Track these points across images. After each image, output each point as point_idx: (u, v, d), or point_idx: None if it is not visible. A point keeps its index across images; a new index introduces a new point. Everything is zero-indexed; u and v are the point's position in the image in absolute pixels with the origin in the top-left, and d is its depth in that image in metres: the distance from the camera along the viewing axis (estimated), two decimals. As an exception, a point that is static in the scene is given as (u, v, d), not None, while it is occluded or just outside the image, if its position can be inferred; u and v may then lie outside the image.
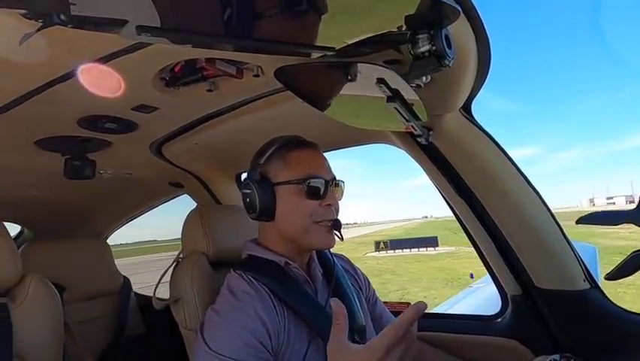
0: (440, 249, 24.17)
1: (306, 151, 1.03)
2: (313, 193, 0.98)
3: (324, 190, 0.99)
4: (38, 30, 0.59)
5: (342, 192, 1.06)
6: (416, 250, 24.90)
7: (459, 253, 21.86)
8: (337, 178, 1.04)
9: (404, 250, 24.95)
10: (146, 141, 1.40)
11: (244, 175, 1.86)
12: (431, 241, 25.42)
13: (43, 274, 1.25)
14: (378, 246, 25.63)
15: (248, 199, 1.03)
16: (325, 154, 1.07)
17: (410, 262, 19.64)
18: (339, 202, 1.04)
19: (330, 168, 1.04)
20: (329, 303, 1.01)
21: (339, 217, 1.03)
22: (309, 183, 0.98)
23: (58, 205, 2.14)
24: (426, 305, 0.72)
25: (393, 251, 25.02)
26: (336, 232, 1.01)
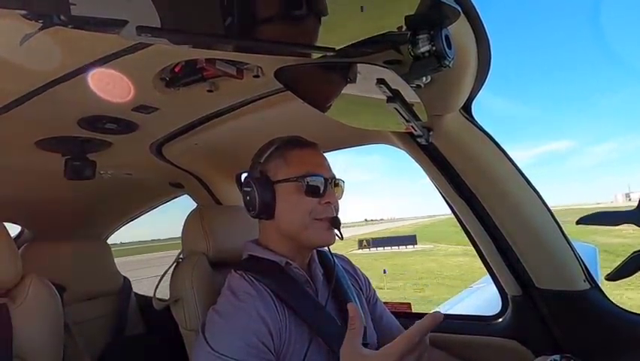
0: (418, 247, 26.27)
1: (305, 150, 1.04)
2: (312, 191, 0.99)
3: (323, 188, 1.00)
4: (39, 31, 0.59)
5: (342, 191, 1.07)
6: (396, 247, 26.73)
7: (434, 250, 23.51)
8: (337, 177, 1.05)
9: (385, 248, 26.85)
10: (147, 142, 1.40)
11: (244, 175, 1.87)
12: (410, 240, 27.23)
13: (44, 275, 1.25)
14: (361, 244, 27.19)
15: (248, 197, 1.03)
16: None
17: (379, 259, 20.86)
18: (339, 201, 1.05)
19: (329, 167, 1.05)
20: (329, 303, 1.02)
21: (339, 215, 1.03)
22: (308, 180, 0.98)
23: (59, 206, 2.14)
24: (442, 316, 0.72)
25: (375, 249, 26.85)
26: (336, 230, 1.02)
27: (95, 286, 2.19)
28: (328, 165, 1.06)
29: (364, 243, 27.16)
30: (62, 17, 0.51)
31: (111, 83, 0.93)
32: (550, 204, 1.16)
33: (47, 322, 1.19)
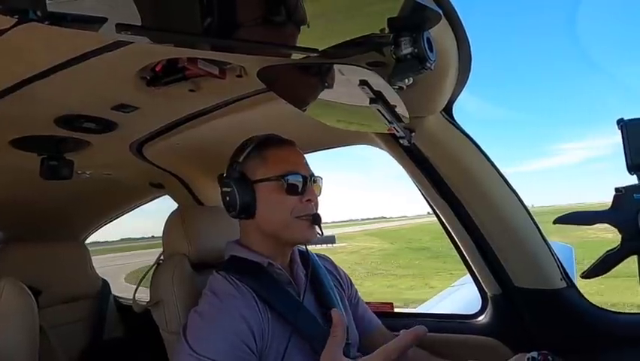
0: (336, 245, 29.52)
1: (283, 148, 1.05)
2: (293, 189, 1.00)
3: (302, 186, 1.01)
4: (14, 26, 0.57)
5: (320, 189, 1.08)
6: (320, 246, 29.48)
7: (347, 247, 26.65)
8: (315, 175, 1.06)
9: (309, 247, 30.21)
10: (126, 141, 1.37)
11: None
12: (329, 239, 29.05)
13: (19, 278, 1.21)
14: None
15: (228, 198, 1.03)
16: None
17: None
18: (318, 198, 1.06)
19: (308, 165, 1.07)
20: (311, 303, 1.03)
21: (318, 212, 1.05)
22: (288, 179, 0.99)
23: (35, 206, 2.08)
24: (426, 331, 0.73)
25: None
26: (317, 226, 1.03)
27: (72, 289, 2.15)
28: (306, 162, 1.07)
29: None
30: (39, 13, 0.50)
31: (89, 82, 0.91)
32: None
33: (22, 326, 1.16)
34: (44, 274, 1.99)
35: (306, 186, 1.01)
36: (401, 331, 0.75)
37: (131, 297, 1.26)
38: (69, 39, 0.73)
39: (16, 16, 0.51)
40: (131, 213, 2.47)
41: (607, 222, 0.87)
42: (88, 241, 2.56)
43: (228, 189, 1.03)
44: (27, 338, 1.17)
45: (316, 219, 1.02)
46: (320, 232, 1.04)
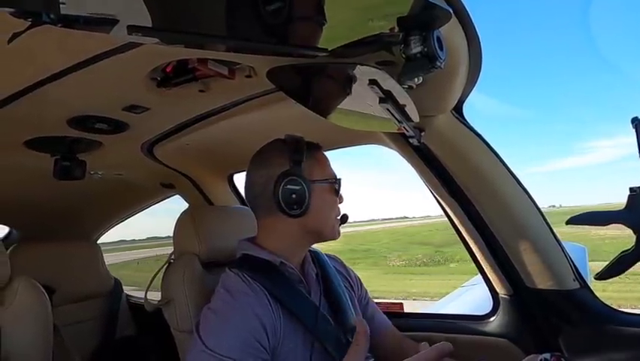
0: None
1: (323, 153, 1.11)
2: (339, 192, 1.08)
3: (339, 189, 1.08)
4: (27, 29, 0.58)
5: None
6: None
7: None
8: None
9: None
10: (137, 142, 1.39)
11: (237, 176, 1.87)
12: None
13: (33, 276, 1.23)
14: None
15: (294, 195, 1.00)
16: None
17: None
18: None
19: None
20: (322, 302, 1.03)
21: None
22: (338, 181, 1.07)
23: (48, 206, 2.12)
24: (451, 347, 0.72)
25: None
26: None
27: (84, 288, 2.17)
28: None
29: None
30: (52, 16, 0.50)
31: (101, 83, 0.92)
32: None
33: (36, 324, 1.18)
34: (58, 273, 2.02)
35: (339, 189, 1.08)
36: (422, 343, 0.74)
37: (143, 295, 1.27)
38: (81, 41, 0.74)
39: (30, 19, 0.52)
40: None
41: (621, 223, 0.85)
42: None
43: (297, 187, 1.00)
44: (41, 335, 1.19)
45: (344, 219, 1.09)
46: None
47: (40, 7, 0.50)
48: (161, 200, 2.25)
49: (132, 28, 0.54)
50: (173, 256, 1.24)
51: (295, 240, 1.05)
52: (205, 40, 0.68)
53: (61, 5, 0.49)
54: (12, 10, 0.50)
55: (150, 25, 0.55)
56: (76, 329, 2.02)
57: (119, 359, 2.09)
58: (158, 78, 0.93)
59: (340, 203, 1.09)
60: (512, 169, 1.15)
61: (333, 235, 1.09)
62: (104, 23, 0.53)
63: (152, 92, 0.98)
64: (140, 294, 1.27)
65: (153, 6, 0.53)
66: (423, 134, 1.06)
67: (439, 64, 0.68)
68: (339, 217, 1.09)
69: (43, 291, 1.24)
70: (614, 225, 0.87)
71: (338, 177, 1.08)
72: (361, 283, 1.25)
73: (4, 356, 1.08)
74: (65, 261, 2.13)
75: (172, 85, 0.95)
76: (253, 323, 0.89)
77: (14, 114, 1.01)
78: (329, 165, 1.10)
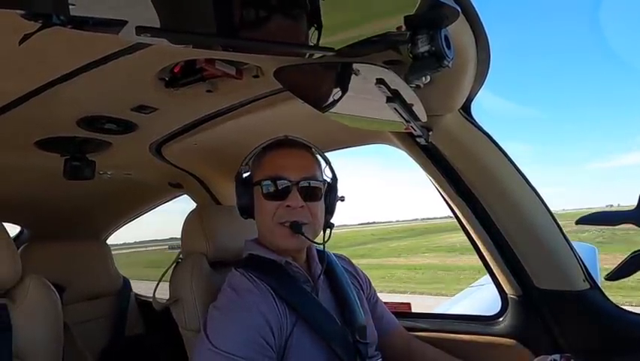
0: None
1: (278, 152, 1.05)
2: (270, 194, 1.00)
3: (283, 191, 0.99)
4: (38, 30, 0.59)
5: (321, 194, 1.05)
6: None
7: None
8: (315, 180, 1.03)
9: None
10: (146, 142, 1.40)
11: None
12: None
13: (43, 275, 1.25)
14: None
15: (239, 199, 1.08)
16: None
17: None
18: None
19: (304, 169, 1.03)
20: (329, 301, 1.03)
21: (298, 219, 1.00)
22: (264, 184, 1.00)
23: (58, 206, 2.14)
24: None
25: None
26: (301, 234, 0.99)
27: (94, 287, 2.20)
28: (303, 165, 1.04)
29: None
30: (61, 17, 0.51)
31: (110, 84, 0.93)
32: None
33: (47, 322, 1.19)
34: (68, 272, 2.04)
35: (287, 192, 0.99)
36: None
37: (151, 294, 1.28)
38: (90, 42, 0.74)
39: (40, 21, 0.53)
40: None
41: (632, 223, 0.84)
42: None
43: (240, 190, 1.07)
44: (52, 333, 1.20)
45: (294, 227, 0.99)
46: (306, 238, 1.00)
47: (51, 8, 0.51)
48: (170, 200, 2.26)
49: (140, 29, 0.54)
50: (181, 256, 1.24)
51: (267, 243, 1.06)
52: (212, 41, 0.68)
53: (70, 7, 0.49)
54: (23, 12, 0.50)
55: (158, 26, 0.55)
56: (85, 327, 2.03)
57: (128, 358, 2.11)
58: (167, 78, 0.94)
59: (287, 207, 0.98)
60: (520, 168, 1.14)
61: (276, 242, 1.02)
62: (113, 24, 0.53)
63: (160, 93, 0.98)
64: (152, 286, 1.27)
65: (161, 7, 0.53)
66: (431, 133, 1.06)
67: (446, 63, 0.67)
68: (282, 223, 0.99)
69: (54, 289, 1.25)
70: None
71: (282, 177, 0.99)
72: (370, 283, 1.25)
73: (15, 353, 1.09)
74: (75, 260, 2.15)
75: (180, 85, 0.95)
76: (258, 320, 0.89)
77: (25, 115, 1.02)
78: (273, 165, 1.02)
